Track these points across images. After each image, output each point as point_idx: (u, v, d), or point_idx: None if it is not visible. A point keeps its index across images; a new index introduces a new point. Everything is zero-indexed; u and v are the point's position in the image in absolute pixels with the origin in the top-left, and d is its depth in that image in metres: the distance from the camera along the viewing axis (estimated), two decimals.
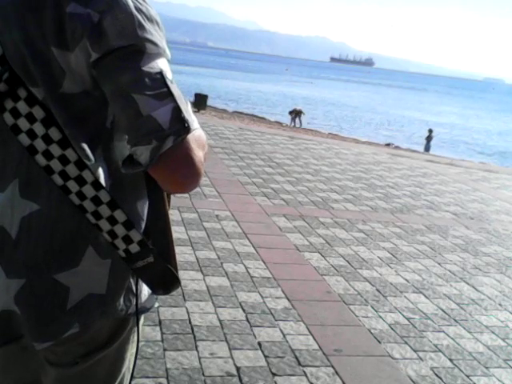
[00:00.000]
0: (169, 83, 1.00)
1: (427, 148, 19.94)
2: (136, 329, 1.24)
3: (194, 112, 13.68)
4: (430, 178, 8.54)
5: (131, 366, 1.29)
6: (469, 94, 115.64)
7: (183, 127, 0.99)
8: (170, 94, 0.99)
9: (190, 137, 1.00)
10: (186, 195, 5.63)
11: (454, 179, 8.77)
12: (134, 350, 1.27)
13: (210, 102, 16.33)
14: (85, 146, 1.06)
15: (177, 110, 0.99)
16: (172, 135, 0.97)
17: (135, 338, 1.25)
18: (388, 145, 17.35)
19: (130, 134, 1.00)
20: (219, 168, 7.17)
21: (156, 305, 1.29)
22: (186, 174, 1.01)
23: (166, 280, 1.16)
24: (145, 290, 1.22)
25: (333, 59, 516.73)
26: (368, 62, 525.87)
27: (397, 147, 16.46)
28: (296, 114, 22.61)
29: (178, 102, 1.00)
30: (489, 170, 10.81)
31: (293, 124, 21.75)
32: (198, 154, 1.02)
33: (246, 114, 21.18)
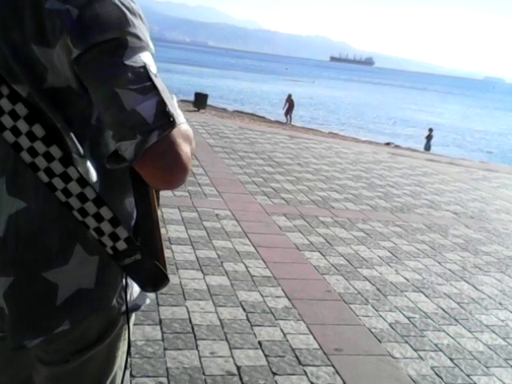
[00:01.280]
0: (153, 77, 0.98)
1: (427, 147, 19.93)
2: (127, 326, 1.24)
3: (194, 111, 13.68)
4: (430, 177, 8.54)
5: (123, 364, 1.28)
6: (469, 93, 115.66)
7: (168, 121, 0.97)
8: (154, 88, 0.98)
9: (175, 131, 0.98)
10: (186, 194, 5.63)
11: (454, 178, 8.77)
12: (126, 348, 1.26)
13: (210, 102, 16.33)
14: (72, 141, 1.05)
15: (161, 104, 0.97)
16: (157, 129, 0.96)
17: (126, 335, 1.25)
18: (388, 144, 17.37)
19: (114, 129, 0.98)
20: (219, 167, 7.17)
21: (147, 301, 1.28)
22: (173, 169, 0.99)
23: (154, 277, 1.15)
24: (136, 287, 1.22)
25: (333, 58, 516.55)
26: (368, 62, 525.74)
27: (397, 146, 16.47)
28: (290, 105, 22.42)
29: (163, 95, 0.98)
30: (489, 169, 10.80)
31: (286, 113, 21.76)
32: (185, 148, 0.99)
33: (246, 114, 21.18)
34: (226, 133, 10.05)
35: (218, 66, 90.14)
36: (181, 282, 3.64)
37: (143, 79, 0.97)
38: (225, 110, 20.99)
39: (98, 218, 1.07)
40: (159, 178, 1.01)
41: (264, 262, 4.22)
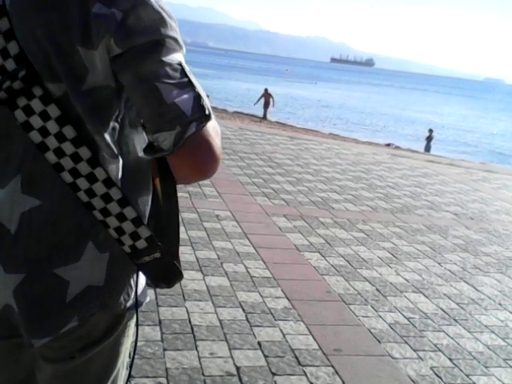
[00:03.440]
0: (188, 74, 1.05)
1: (427, 148, 19.94)
2: (130, 323, 1.25)
3: None
4: (430, 178, 8.54)
5: (125, 362, 1.30)
6: (469, 94, 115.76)
7: (204, 114, 1.04)
8: (190, 83, 1.04)
9: (208, 124, 1.05)
10: (186, 195, 5.64)
11: (454, 179, 8.77)
12: (129, 345, 1.28)
13: (210, 102, 16.30)
14: (106, 142, 1.07)
15: (198, 98, 1.04)
16: (195, 121, 1.02)
17: (130, 332, 1.26)
18: (388, 145, 17.37)
19: (152, 121, 1.03)
20: (219, 168, 7.16)
21: (147, 299, 1.30)
22: (207, 159, 1.06)
23: (169, 274, 1.18)
24: (140, 284, 1.23)
25: (333, 60, 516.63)
26: (368, 63, 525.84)
27: (397, 147, 16.48)
28: (266, 101, 21.89)
29: (199, 90, 1.05)
30: (489, 170, 10.81)
31: (265, 108, 21.44)
32: (217, 140, 1.08)
33: (246, 114, 21.21)
34: (226, 134, 10.06)
35: (218, 67, 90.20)
36: (180, 283, 3.63)
37: (180, 75, 1.04)
38: (225, 110, 21.02)
39: (121, 217, 1.09)
40: (194, 168, 1.07)
41: (264, 262, 4.23)
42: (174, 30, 1.06)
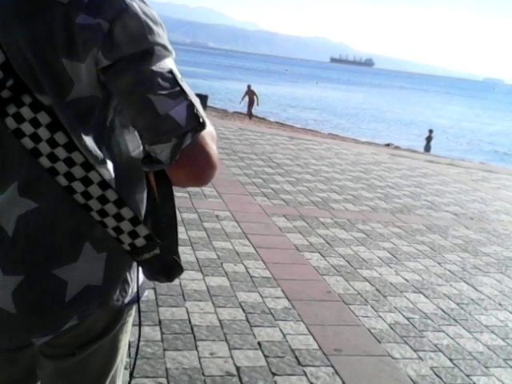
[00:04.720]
0: (180, 81, 1.04)
1: (427, 148, 19.95)
2: (129, 319, 1.27)
3: None
4: (430, 179, 8.54)
5: (124, 358, 1.32)
6: (469, 95, 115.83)
7: (199, 123, 1.03)
8: (183, 92, 1.03)
9: (204, 132, 1.04)
10: (186, 195, 5.64)
11: (453, 179, 8.77)
12: (127, 341, 1.30)
13: (210, 103, 16.35)
14: (93, 147, 1.07)
15: (191, 107, 1.03)
16: (190, 132, 1.02)
17: (128, 328, 1.28)
18: (388, 145, 17.37)
19: (148, 133, 1.03)
20: (219, 168, 7.15)
21: (145, 293, 1.31)
22: (204, 167, 1.06)
23: (170, 268, 1.20)
24: (139, 281, 1.24)
25: (333, 60, 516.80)
26: (368, 63, 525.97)
27: (397, 147, 16.48)
28: (250, 99, 21.49)
29: (191, 98, 1.04)
30: (489, 170, 10.81)
31: (249, 107, 21.13)
32: (213, 147, 1.07)
33: (246, 115, 21.20)
34: (226, 134, 10.06)
35: (218, 67, 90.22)
36: (180, 283, 3.64)
37: (172, 84, 1.02)
38: (225, 111, 21.05)
39: (118, 218, 1.09)
40: (192, 177, 1.08)
41: (264, 262, 4.23)
42: (162, 36, 1.04)
